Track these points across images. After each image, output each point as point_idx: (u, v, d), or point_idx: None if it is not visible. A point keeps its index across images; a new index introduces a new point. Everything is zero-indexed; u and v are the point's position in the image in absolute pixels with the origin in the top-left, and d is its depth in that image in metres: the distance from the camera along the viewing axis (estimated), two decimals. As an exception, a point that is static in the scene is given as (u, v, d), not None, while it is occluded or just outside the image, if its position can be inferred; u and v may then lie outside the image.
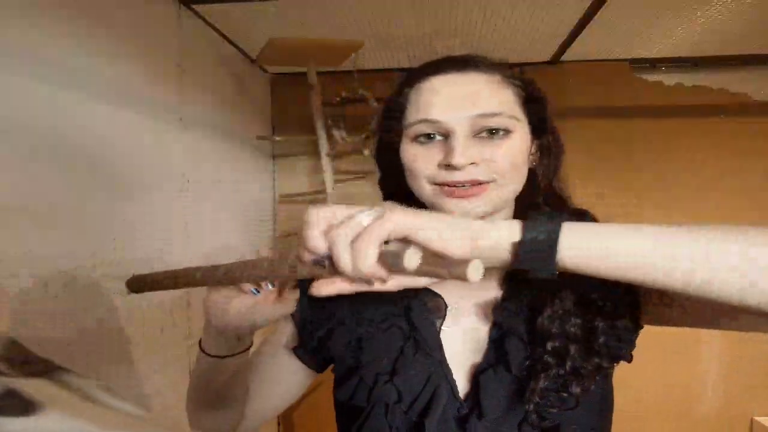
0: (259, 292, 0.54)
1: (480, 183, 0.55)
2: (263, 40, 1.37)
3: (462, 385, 0.57)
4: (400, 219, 0.37)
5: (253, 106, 1.72)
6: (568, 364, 0.53)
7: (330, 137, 1.62)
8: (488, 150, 0.55)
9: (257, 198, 1.76)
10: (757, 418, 1.75)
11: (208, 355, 0.59)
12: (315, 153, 1.67)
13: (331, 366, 0.68)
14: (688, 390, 1.78)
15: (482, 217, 0.58)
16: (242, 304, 0.53)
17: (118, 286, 0.94)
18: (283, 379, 0.70)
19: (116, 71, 0.97)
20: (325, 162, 1.61)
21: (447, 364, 0.57)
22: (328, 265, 0.39)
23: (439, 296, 0.61)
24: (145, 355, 1.05)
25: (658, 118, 1.77)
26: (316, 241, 0.38)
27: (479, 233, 0.39)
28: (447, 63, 0.58)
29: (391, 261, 0.36)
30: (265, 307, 0.53)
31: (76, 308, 0.84)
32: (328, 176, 1.62)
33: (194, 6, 1.25)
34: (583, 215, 0.61)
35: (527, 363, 0.55)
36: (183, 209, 1.22)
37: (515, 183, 0.58)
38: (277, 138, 1.82)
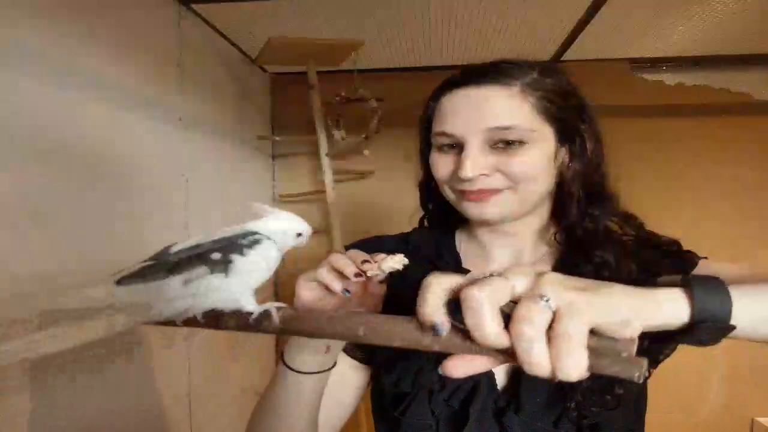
0: (350, 292, 0.49)
1: (491, 191, 0.58)
2: (263, 40, 1.37)
3: (499, 379, 0.58)
4: (592, 313, 0.32)
5: (253, 106, 1.72)
6: None
7: (330, 137, 1.62)
8: (502, 160, 0.57)
9: (257, 198, 1.76)
10: (758, 419, 1.75)
11: (293, 370, 0.55)
12: (315, 153, 1.67)
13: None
14: (689, 390, 1.77)
15: (499, 220, 0.61)
16: (331, 307, 0.51)
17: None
18: (338, 382, 0.65)
19: (116, 71, 0.97)
20: (325, 162, 1.61)
21: None
22: (505, 354, 0.34)
23: None
24: (146, 355, 1.05)
25: (658, 117, 1.77)
26: (500, 339, 0.32)
27: (650, 317, 0.36)
28: (466, 77, 0.60)
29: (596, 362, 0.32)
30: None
31: (75, 308, 0.84)
32: (328, 176, 1.62)
33: (194, 6, 1.25)
34: (629, 218, 0.64)
35: None
36: (183, 209, 1.21)
37: (532, 190, 0.60)
38: (277, 138, 1.82)
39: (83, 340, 0.34)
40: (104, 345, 0.91)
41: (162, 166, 1.14)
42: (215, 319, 0.42)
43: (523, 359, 0.32)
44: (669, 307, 0.36)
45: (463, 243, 0.69)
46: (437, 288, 0.34)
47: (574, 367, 0.31)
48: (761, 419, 1.74)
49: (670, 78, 1.77)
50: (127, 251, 0.99)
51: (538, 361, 0.31)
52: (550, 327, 0.32)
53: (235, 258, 0.40)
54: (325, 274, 0.49)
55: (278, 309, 0.41)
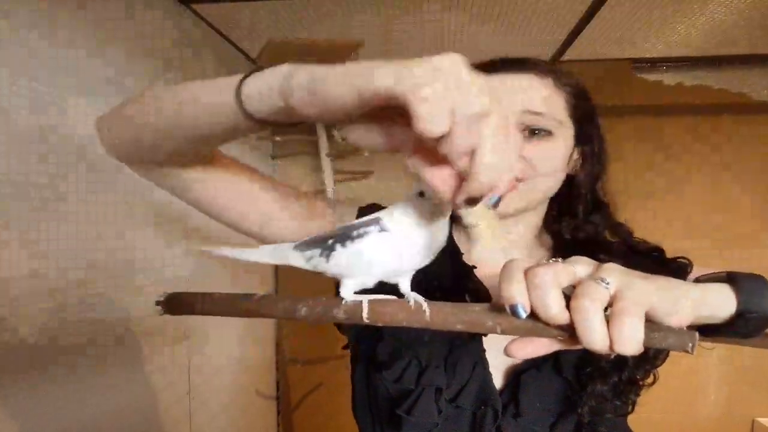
0: None
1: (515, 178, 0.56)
2: (263, 40, 1.37)
3: (496, 380, 0.57)
4: (648, 295, 0.33)
5: (253, 106, 1.72)
6: (626, 374, 0.53)
7: (330, 137, 1.62)
8: (527, 147, 0.56)
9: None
10: (758, 419, 1.75)
11: (247, 112, 0.39)
12: (315, 153, 1.67)
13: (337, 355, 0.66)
14: (689, 391, 1.77)
15: (511, 216, 0.59)
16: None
17: (117, 286, 0.94)
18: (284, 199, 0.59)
19: (116, 71, 0.97)
20: (325, 162, 1.62)
21: (485, 357, 0.57)
22: (565, 332, 0.35)
23: (485, 288, 0.60)
24: (146, 355, 1.05)
25: (658, 117, 1.77)
26: (562, 314, 0.33)
27: (700, 307, 0.37)
28: (502, 63, 0.59)
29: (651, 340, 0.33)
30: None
31: (76, 308, 0.84)
32: (328, 176, 1.62)
33: (194, 6, 1.25)
34: (620, 226, 0.63)
35: (587, 369, 0.54)
36: (183, 209, 1.21)
37: (547, 185, 0.59)
38: (277, 138, 1.83)
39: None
40: (103, 343, 0.91)
41: (162, 166, 1.14)
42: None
43: (582, 333, 0.32)
44: (718, 299, 0.38)
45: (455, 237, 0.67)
46: (520, 271, 0.35)
47: (631, 340, 0.31)
48: (761, 419, 1.74)
49: (670, 78, 1.77)
50: (127, 251, 0.99)
51: (596, 335, 0.32)
52: (608, 308, 0.33)
53: (337, 248, 0.42)
54: None
55: (369, 302, 0.41)
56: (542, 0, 1.25)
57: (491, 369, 0.57)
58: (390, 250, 0.42)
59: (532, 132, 0.56)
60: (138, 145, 0.50)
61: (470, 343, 0.57)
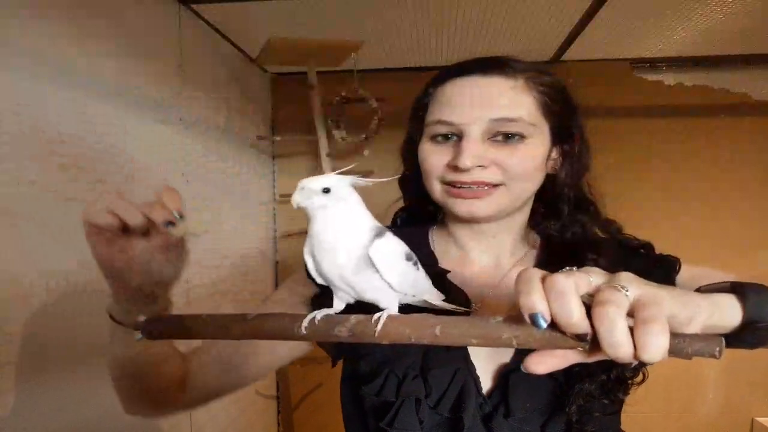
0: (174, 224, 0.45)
1: (486, 185, 0.56)
2: (263, 40, 1.37)
3: (485, 382, 0.56)
4: (669, 303, 0.33)
5: (253, 106, 1.72)
6: (614, 373, 0.53)
7: (330, 137, 1.62)
8: (500, 153, 0.56)
9: (257, 198, 1.76)
10: (758, 419, 1.75)
11: (122, 324, 0.50)
12: (315, 153, 1.67)
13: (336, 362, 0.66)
14: (689, 390, 1.77)
15: (487, 219, 0.59)
16: (139, 252, 0.46)
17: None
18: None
19: (116, 71, 0.97)
20: (325, 162, 1.61)
21: (471, 360, 0.57)
22: (585, 342, 0.34)
23: (462, 291, 0.60)
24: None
25: (658, 118, 1.77)
26: (584, 323, 0.33)
27: (710, 317, 0.37)
28: (472, 65, 0.59)
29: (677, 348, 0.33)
30: (161, 256, 0.47)
31: (76, 308, 0.84)
32: (328, 176, 1.62)
33: (194, 6, 1.25)
34: (609, 223, 0.63)
35: (575, 368, 0.54)
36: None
37: (525, 188, 0.59)
38: (277, 138, 1.82)
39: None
40: (103, 344, 0.91)
41: (162, 166, 1.14)
42: None
43: (606, 341, 0.32)
44: (725, 310, 0.39)
45: (437, 243, 0.67)
46: (538, 280, 0.34)
47: (657, 347, 0.31)
48: (761, 419, 1.74)
49: (670, 78, 1.77)
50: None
51: (621, 342, 0.31)
52: (628, 316, 0.33)
53: None
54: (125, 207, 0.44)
55: (357, 319, 0.42)
56: (542, 0, 1.25)
57: (479, 371, 0.56)
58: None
59: (506, 137, 0.56)
60: (130, 403, 0.64)
61: (451, 349, 0.56)
